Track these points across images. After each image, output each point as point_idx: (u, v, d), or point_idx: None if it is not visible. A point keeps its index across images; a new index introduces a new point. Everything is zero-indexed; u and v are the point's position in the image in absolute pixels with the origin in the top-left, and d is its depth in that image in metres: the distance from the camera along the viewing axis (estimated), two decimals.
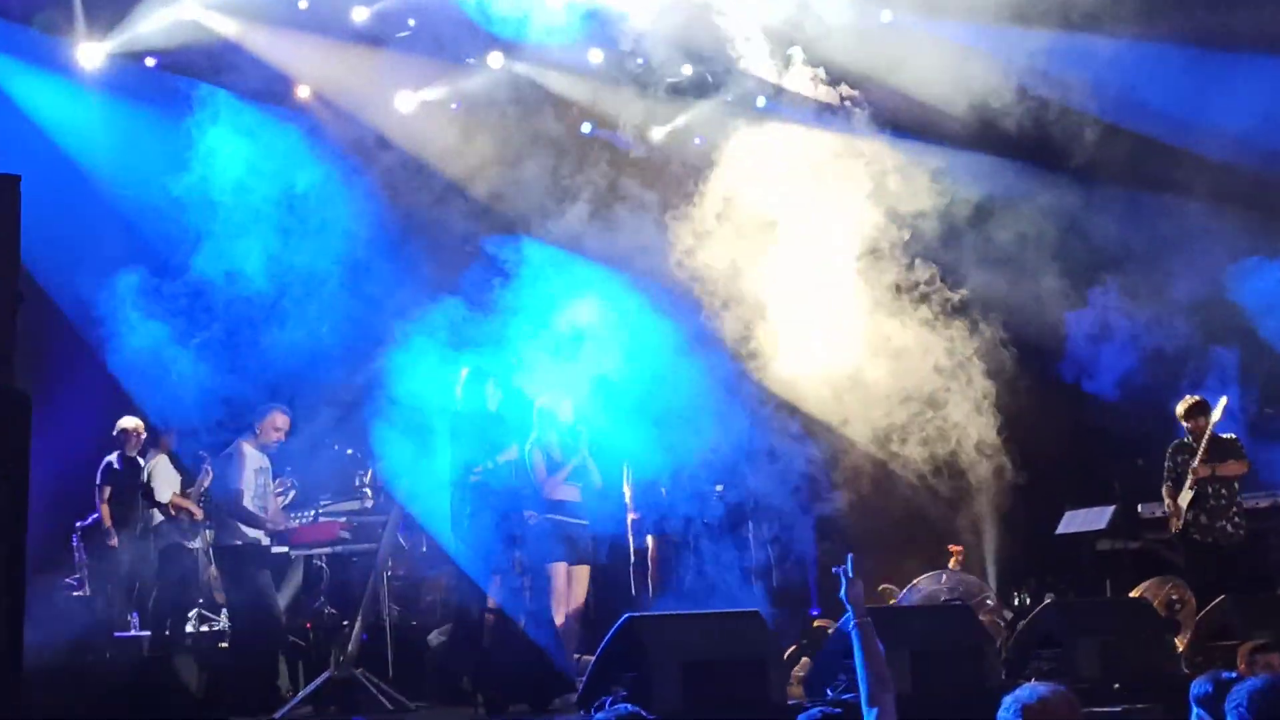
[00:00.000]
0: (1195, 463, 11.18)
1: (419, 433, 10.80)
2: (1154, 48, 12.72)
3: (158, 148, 12.42)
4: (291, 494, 11.47)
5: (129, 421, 12.20)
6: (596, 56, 13.95)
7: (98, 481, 12.22)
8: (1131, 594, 11.44)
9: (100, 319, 11.84)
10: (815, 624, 12.37)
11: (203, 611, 11.92)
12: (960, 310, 11.87)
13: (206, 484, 11.33)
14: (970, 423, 11.67)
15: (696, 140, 14.05)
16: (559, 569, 10.57)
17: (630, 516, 12.57)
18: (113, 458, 12.23)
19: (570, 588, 10.67)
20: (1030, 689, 4.60)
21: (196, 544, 11.97)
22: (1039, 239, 12.53)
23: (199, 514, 11.70)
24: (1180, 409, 11.51)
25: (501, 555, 10.17)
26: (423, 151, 13.87)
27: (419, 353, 10.99)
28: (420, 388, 10.86)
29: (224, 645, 11.34)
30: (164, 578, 11.86)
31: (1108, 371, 12.53)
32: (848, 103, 12.32)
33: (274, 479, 10.90)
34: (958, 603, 10.92)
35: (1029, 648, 9.76)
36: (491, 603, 10.18)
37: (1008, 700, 4.52)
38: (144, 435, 12.22)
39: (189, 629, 11.84)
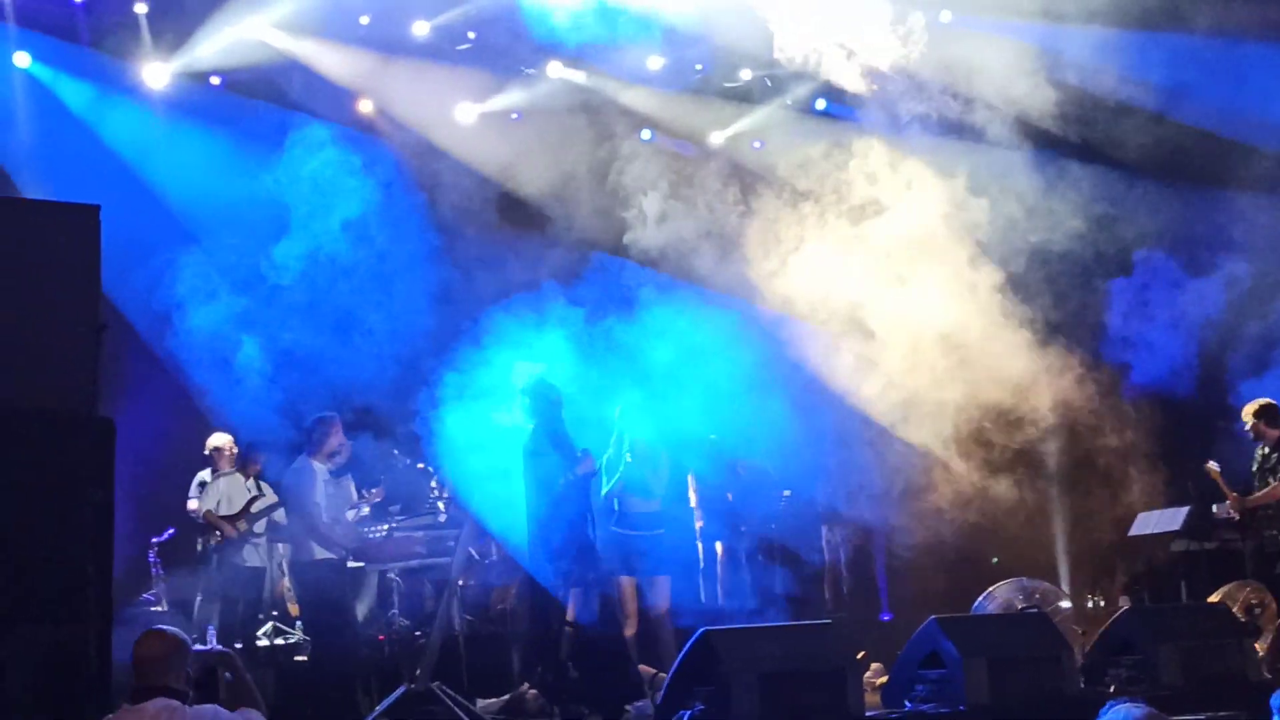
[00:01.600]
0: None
1: (490, 446, 10.84)
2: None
3: (226, 166, 12.54)
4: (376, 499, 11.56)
5: (218, 439, 12.34)
6: (656, 63, 13.97)
7: (192, 494, 12.39)
8: (1210, 598, 11.34)
9: (174, 334, 12.00)
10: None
11: (277, 625, 12.00)
12: (1040, 317, 11.83)
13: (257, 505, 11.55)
14: (1045, 427, 11.62)
15: (756, 144, 14.03)
16: (629, 581, 10.58)
17: (697, 524, 12.62)
18: (204, 474, 12.39)
19: (639, 599, 10.67)
20: (1125, 712, 4.59)
21: (257, 560, 12.09)
22: (1110, 241, 12.44)
23: (230, 531, 11.82)
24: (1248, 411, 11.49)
25: (580, 567, 10.18)
26: (485, 164, 13.94)
27: (488, 366, 11.04)
28: (493, 400, 10.91)
29: (300, 659, 11.43)
30: (230, 592, 11.99)
31: (1184, 371, 12.44)
32: (909, 104, 12.26)
33: (367, 489, 10.94)
34: (1034, 610, 10.85)
35: (1108, 655, 9.67)
36: (570, 614, 10.20)
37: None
38: (235, 452, 12.36)
39: (263, 643, 11.91)
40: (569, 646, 10.21)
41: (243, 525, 11.91)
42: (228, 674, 6.09)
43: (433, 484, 11.78)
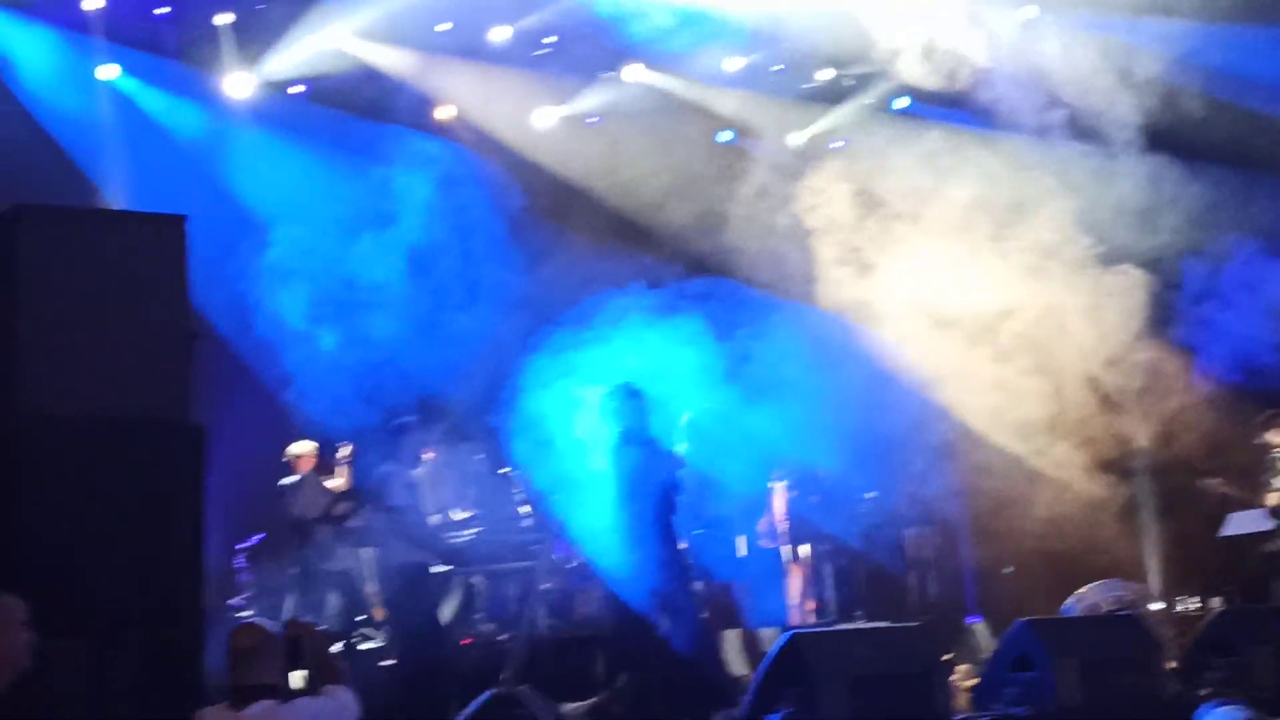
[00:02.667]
0: None
1: (572, 451, 10.85)
2: None
3: (308, 174, 12.66)
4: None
5: (297, 447, 12.48)
6: (734, 64, 13.94)
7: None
8: None
9: (259, 339, 12.14)
10: None
11: (362, 630, 12.08)
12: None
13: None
14: (1130, 425, 11.49)
15: (839, 144, 13.97)
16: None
17: (783, 525, 12.57)
18: (287, 480, 12.56)
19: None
20: (1226, 714, 4.52)
21: (344, 564, 12.21)
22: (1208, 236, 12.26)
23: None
24: None
25: (671, 570, 10.17)
26: (565, 168, 13.98)
27: (570, 372, 11.06)
28: (576, 405, 10.93)
29: (386, 663, 11.49)
30: (318, 596, 12.10)
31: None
32: (991, 100, 12.16)
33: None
34: (1126, 612, 10.74)
35: (1203, 656, 9.54)
36: (659, 617, 10.19)
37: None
38: (315, 459, 12.50)
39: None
40: (655, 650, 10.20)
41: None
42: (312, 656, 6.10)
43: (515, 488, 11.80)
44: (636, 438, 10.26)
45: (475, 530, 11.26)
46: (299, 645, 5.99)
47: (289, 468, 12.50)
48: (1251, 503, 12.10)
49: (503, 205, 12.98)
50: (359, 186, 12.26)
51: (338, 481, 12.46)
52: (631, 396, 10.37)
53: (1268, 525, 11.86)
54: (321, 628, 6.30)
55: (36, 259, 6.80)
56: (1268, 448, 11.72)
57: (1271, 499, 11.54)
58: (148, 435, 6.86)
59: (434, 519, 11.19)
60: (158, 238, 7.37)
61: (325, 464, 12.43)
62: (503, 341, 12.03)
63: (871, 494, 13.31)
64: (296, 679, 6.34)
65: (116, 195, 11.96)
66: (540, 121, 14.41)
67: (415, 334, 12.31)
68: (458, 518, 11.32)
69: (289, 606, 12.01)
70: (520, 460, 11.22)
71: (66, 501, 6.50)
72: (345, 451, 12.48)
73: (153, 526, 6.64)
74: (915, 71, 12.10)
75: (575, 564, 12.28)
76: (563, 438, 10.92)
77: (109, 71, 12.76)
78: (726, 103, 14.07)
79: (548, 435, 10.92)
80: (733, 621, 11.39)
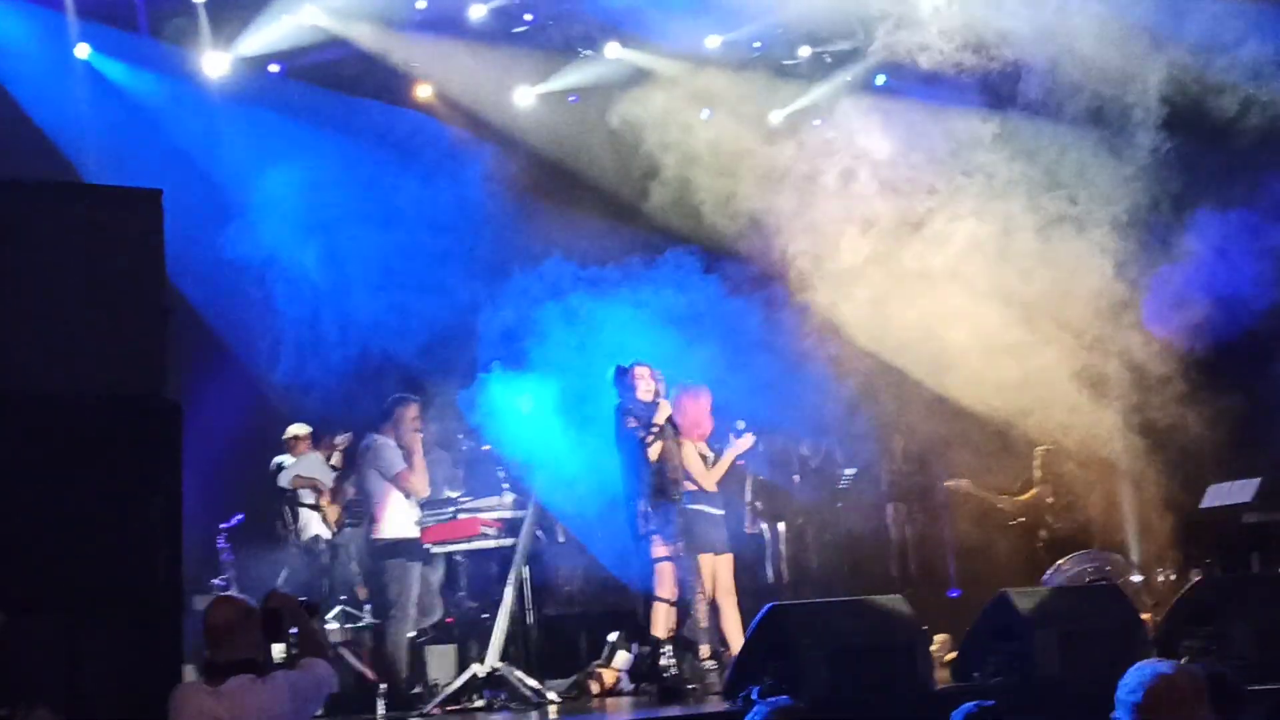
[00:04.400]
0: None
1: (556, 428, 10.85)
2: None
3: (286, 150, 12.61)
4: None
5: (295, 429, 12.63)
6: (713, 42, 13.90)
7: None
8: None
9: (236, 316, 12.06)
10: None
11: (346, 609, 12.06)
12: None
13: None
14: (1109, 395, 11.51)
15: (816, 123, 13.94)
16: (705, 559, 10.53)
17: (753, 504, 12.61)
18: (282, 458, 12.71)
19: (718, 577, 10.62)
20: (1151, 666, 4.52)
21: (329, 542, 12.22)
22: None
23: (325, 496, 12.17)
24: None
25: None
26: (544, 145, 13.94)
27: (555, 350, 11.07)
28: (557, 383, 10.93)
29: (370, 641, 11.49)
30: (305, 575, 12.13)
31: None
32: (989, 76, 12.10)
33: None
34: (1104, 582, 10.78)
35: (1180, 626, 9.56)
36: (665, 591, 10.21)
37: (1129, 678, 4.43)
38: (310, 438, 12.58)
39: (332, 626, 11.97)
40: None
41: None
42: (292, 629, 6.11)
43: (498, 467, 11.76)
44: (629, 411, 10.28)
45: (456, 508, 11.17)
46: (278, 619, 5.99)
47: (286, 448, 12.59)
48: (994, 505, 12.46)
49: (482, 180, 12.97)
50: (338, 164, 12.20)
51: (324, 460, 12.56)
52: (623, 373, 10.40)
53: (1247, 497, 11.91)
54: (303, 600, 6.24)
55: (7, 233, 6.77)
56: None
57: None
58: (121, 412, 6.84)
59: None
60: (132, 213, 7.35)
61: (317, 437, 12.49)
62: (481, 318, 12.04)
63: (851, 471, 13.36)
64: (276, 653, 6.36)
65: (92, 172, 11.88)
66: (520, 99, 14.36)
67: (392, 310, 12.33)
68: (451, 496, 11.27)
69: (278, 583, 12.03)
70: (503, 438, 11.17)
71: (36, 479, 6.47)
72: (342, 439, 12.52)
73: (126, 504, 6.62)
74: (905, 47, 12.03)
75: (559, 542, 12.30)
76: (545, 415, 10.97)
77: (82, 50, 12.69)
78: (707, 80, 14.00)
79: (530, 413, 10.96)
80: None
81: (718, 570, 10.67)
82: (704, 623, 10.27)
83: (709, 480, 10.80)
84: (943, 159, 12.10)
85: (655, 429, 10.24)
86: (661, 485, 10.19)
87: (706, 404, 10.89)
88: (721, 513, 10.89)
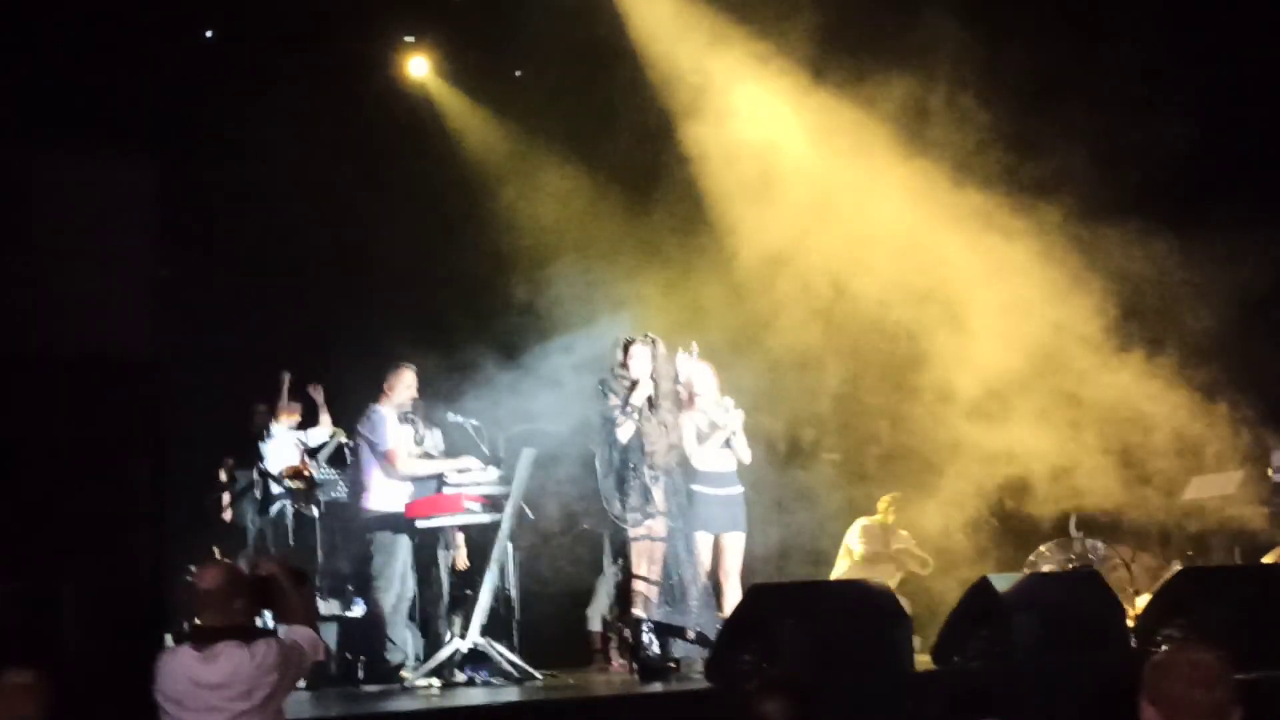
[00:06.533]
0: None
1: (545, 404, 10.86)
2: None
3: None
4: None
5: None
6: None
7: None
8: (1265, 559, 11.28)
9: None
10: None
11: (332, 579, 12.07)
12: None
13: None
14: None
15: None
16: (703, 538, 10.52)
17: None
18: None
19: (721, 557, 10.60)
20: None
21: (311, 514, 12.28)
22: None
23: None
24: None
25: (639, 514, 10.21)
26: None
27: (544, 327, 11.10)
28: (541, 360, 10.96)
29: (351, 614, 11.50)
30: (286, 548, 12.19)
31: None
32: None
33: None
34: (1085, 569, 10.80)
35: (1161, 615, 9.59)
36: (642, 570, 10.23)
37: None
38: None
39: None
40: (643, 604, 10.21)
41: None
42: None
43: (483, 443, 11.76)
44: (608, 388, 10.30)
45: (441, 481, 11.18)
46: (267, 585, 6.00)
47: (269, 416, 12.65)
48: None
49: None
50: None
51: (320, 430, 12.62)
52: (619, 346, 10.44)
53: (1229, 490, 11.94)
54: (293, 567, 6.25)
55: None
56: None
57: None
58: (99, 373, 6.83)
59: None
60: (123, 174, 7.34)
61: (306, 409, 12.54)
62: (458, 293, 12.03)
63: (835, 456, 13.40)
64: (264, 619, 6.36)
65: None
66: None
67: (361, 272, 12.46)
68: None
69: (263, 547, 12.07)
70: (490, 414, 11.16)
71: (15, 439, 6.46)
72: (318, 394, 12.58)
73: (107, 467, 6.62)
74: None
75: (544, 518, 12.29)
76: (533, 391, 11.01)
77: None
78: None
79: (518, 388, 11.04)
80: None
81: (721, 550, 10.57)
82: (693, 603, 10.27)
83: (701, 458, 10.65)
84: None
85: (630, 410, 10.23)
86: (633, 464, 10.15)
87: (706, 375, 10.80)
88: (725, 491, 10.67)
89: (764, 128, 12.05)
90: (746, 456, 10.72)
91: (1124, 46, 11.47)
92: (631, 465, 10.15)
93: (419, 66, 14.05)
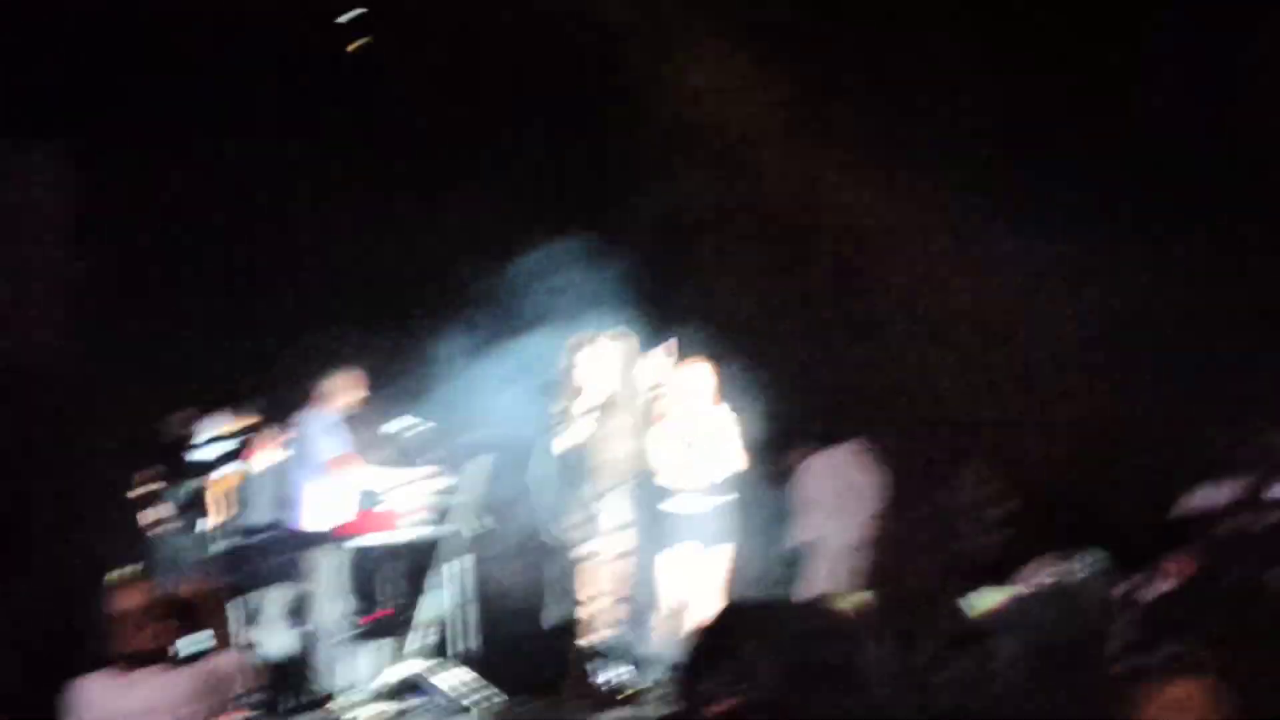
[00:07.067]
0: None
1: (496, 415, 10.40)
2: None
3: None
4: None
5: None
6: None
7: None
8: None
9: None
10: None
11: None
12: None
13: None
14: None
15: None
16: (669, 559, 9.95)
17: None
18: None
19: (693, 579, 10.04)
20: None
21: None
22: None
23: None
24: None
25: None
26: None
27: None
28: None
29: (285, 639, 10.99)
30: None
31: None
32: None
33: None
34: (1073, 586, 10.60)
35: (1153, 630, 9.35)
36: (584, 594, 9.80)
37: None
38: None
39: None
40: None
41: None
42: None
43: (435, 451, 11.35)
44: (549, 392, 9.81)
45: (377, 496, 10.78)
46: (191, 607, 5.87)
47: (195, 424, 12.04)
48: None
49: None
50: None
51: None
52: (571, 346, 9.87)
53: (1222, 501, 11.74)
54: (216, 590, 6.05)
55: None
56: None
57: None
58: (33, 383, 6.60)
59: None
60: (36, 168, 7.05)
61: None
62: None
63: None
64: (190, 643, 6.06)
65: None
66: None
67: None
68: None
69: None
70: (442, 425, 10.82)
71: None
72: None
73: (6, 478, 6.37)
74: None
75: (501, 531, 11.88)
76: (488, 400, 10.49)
77: None
78: None
79: (472, 399, 10.54)
80: None
81: (692, 572, 9.85)
82: (651, 627, 9.77)
83: (674, 471, 9.82)
84: None
85: (573, 418, 9.64)
86: (571, 480, 9.61)
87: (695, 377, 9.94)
88: (704, 506, 9.85)
89: None
90: (739, 464, 9.87)
91: None
92: (570, 481, 9.58)
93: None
